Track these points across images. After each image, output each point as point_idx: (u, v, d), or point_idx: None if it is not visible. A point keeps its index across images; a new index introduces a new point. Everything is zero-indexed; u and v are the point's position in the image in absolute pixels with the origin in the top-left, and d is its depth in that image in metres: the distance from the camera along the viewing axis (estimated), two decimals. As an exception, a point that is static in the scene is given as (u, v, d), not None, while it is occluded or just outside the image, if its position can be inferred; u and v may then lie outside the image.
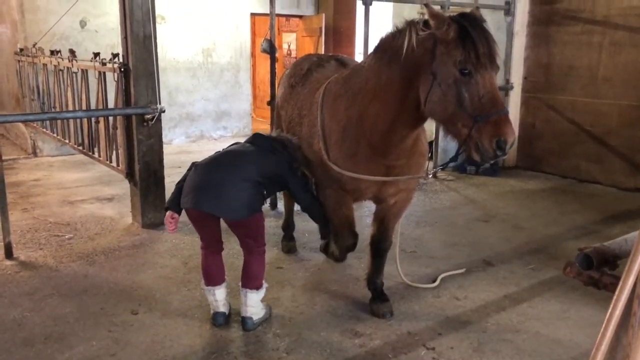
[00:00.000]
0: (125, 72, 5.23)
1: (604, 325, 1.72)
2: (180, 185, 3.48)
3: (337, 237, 3.74)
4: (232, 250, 4.42)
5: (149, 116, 5.17)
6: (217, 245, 3.57)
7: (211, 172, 3.38)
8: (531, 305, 3.97)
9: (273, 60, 6.03)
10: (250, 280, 3.50)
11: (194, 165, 3.49)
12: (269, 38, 6.01)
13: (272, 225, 5.55)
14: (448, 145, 8.11)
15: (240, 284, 3.55)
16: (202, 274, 3.60)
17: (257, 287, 3.51)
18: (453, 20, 2.76)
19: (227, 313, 3.64)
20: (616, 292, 1.71)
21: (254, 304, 3.52)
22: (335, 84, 3.56)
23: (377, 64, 3.13)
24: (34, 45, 8.03)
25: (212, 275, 3.55)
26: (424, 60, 2.86)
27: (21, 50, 8.59)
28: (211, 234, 3.51)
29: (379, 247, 3.78)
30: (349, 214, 3.68)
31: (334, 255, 3.89)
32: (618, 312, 1.70)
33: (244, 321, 3.54)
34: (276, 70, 6.14)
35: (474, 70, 2.71)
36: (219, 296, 3.57)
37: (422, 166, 3.56)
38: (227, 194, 3.27)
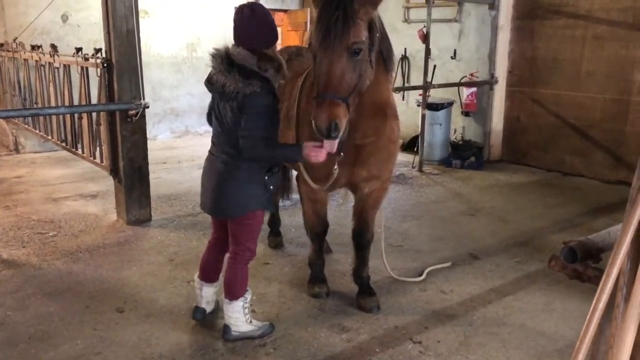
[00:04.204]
0: (108, 67, 5.16)
1: (588, 318, 1.73)
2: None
3: (309, 226, 3.91)
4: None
5: (132, 112, 5.12)
6: (224, 243, 3.42)
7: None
8: (516, 298, 4.01)
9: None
10: (225, 289, 3.34)
11: None
12: (253, 32, 5.95)
13: (258, 221, 5.54)
14: (433, 140, 8.15)
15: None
16: (199, 265, 3.56)
17: (230, 298, 3.30)
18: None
19: (207, 311, 3.57)
20: (600, 285, 1.72)
21: (230, 314, 3.31)
22: None
23: None
24: (14, 40, 7.90)
25: (206, 271, 3.52)
26: None
27: (1, 45, 8.44)
28: (216, 226, 3.46)
29: (361, 239, 3.83)
30: (322, 209, 3.82)
31: (314, 293, 3.97)
32: (602, 305, 1.71)
33: (223, 328, 3.38)
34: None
35: (314, 52, 2.89)
36: (205, 293, 3.54)
37: (393, 154, 3.61)
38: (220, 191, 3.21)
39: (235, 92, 2.97)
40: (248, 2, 3.17)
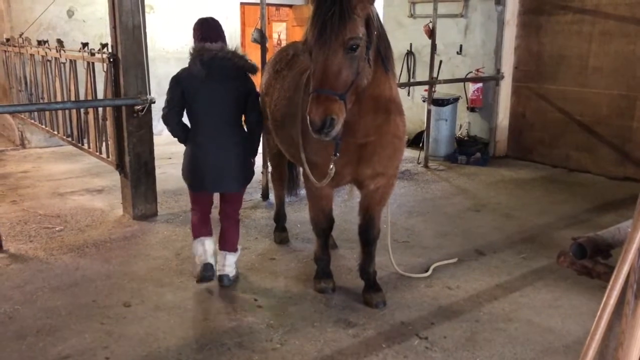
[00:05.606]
0: (114, 62, 5.17)
1: (598, 314, 1.72)
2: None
3: (315, 222, 3.92)
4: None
5: (139, 107, 5.13)
6: (209, 209, 4.06)
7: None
8: (523, 294, 4.00)
9: (264, 50, 5.98)
10: (228, 243, 4.01)
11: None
12: (259, 28, 5.95)
13: (264, 217, 5.54)
14: (439, 135, 8.14)
15: (217, 247, 4.03)
16: (191, 230, 4.00)
17: (235, 250, 4.04)
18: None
19: (214, 267, 3.93)
20: (610, 281, 1.71)
21: (230, 264, 4.02)
22: None
23: None
24: (20, 35, 7.91)
25: (202, 227, 3.96)
26: None
27: (7, 40, 8.45)
28: (206, 201, 4.04)
29: (367, 235, 3.82)
30: (328, 205, 3.85)
31: (320, 288, 3.97)
32: (612, 301, 1.70)
33: (221, 278, 3.98)
34: (267, 60, 6.08)
35: (309, 48, 2.96)
36: (207, 246, 3.93)
37: (398, 150, 3.59)
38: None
39: (246, 68, 3.78)
40: (205, 16, 3.91)
